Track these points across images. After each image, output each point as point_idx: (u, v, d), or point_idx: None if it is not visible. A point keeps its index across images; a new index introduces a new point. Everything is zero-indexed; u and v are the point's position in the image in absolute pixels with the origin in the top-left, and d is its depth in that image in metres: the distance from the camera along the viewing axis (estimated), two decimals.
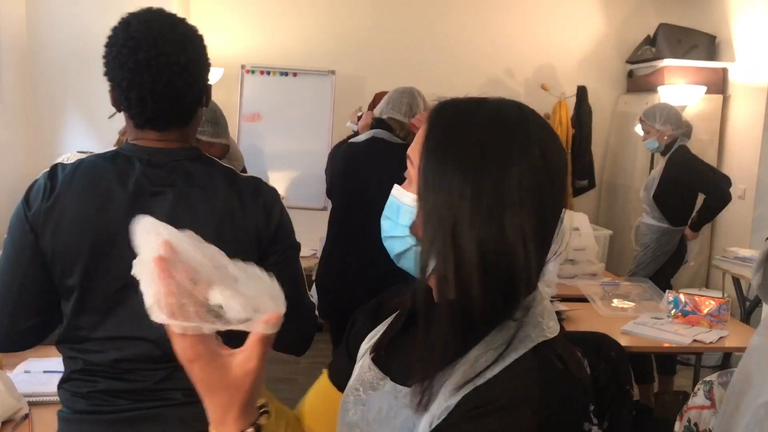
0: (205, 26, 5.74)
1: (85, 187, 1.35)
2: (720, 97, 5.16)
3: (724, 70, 5.22)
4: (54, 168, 1.38)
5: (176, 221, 0.75)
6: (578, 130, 5.52)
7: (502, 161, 0.83)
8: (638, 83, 5.64)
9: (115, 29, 1.36)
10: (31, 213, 1.34)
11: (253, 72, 5.01)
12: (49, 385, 1.68)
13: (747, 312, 4.17)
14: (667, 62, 5.15)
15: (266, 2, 5.37)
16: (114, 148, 1.46)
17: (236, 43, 5.27)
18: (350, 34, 5.41)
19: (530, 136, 0.85)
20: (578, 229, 3.69)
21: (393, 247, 0.92)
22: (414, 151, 0.89)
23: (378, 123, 2.91)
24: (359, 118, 3.32)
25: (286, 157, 4.96)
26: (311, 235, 5.47)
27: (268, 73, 5.03)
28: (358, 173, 2.85)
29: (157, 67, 1.31)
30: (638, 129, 5.01)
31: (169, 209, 1.35)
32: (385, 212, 0.94)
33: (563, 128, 5.45)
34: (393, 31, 5.44)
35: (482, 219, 0.81)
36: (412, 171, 0.89)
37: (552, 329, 0.86)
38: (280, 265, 1.43)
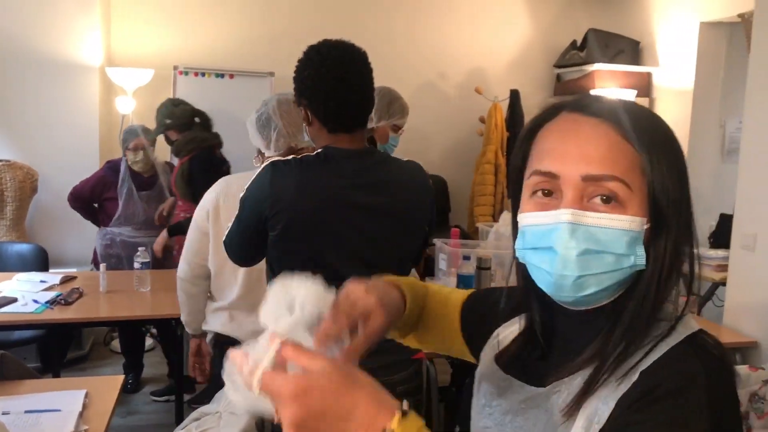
0: (131, 25, 5.46)
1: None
2: (646, 99, 5.37)
3: (649, 74, 5.43)
4: None
5: None
6: (512, 133, 5.60)
7: (683, 161, 0.86)
8: (567, 87, 5.79)
9: (307, 54, 1.79)
10: None
11: (186, 73, 4.78)
12: (36, 428, 1.50)
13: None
14: (597, 66, 5.31)
15: (198, 1, 5.15)
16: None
17: (168, 43, 5.03)
18: (289, 35, 5.26)
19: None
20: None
21: (602, 282, 0.82)
22: (621, 167, 0.80)
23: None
24: None
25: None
26: None
27: (203, 74, 4.82)
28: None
29: (351, 80, 1.75)
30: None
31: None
32: (587, 246, 0.81)
33: (498, 131, 5.51)
34: (330, 33, 5.33)
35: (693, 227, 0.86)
36: (625, 192, 0.81)
37: (692, 324, 0.84)
38: None
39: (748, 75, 3.07)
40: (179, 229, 3.74)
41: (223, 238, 1.89)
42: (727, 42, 4.94)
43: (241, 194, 1.80)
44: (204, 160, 3.80)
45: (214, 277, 2.43)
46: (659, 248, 0.82)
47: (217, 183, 2.44)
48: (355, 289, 0.97)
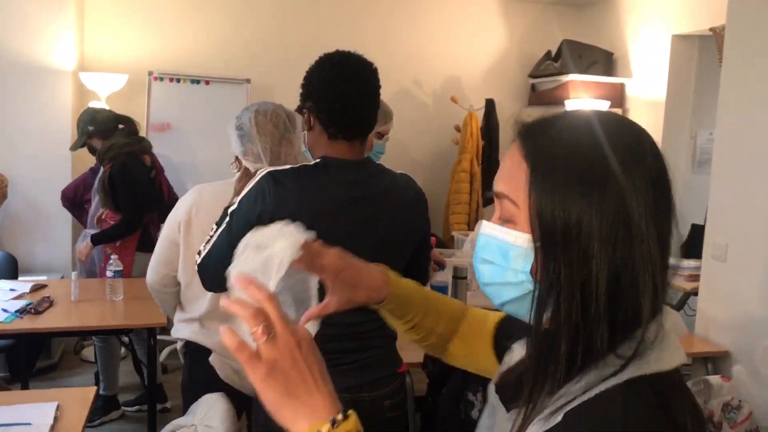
0: (105, 29, 5.39)
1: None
2: (620, 110, 5.43)
3: (622, 85, 5.50)
4: None
5: None
6: (487, 142, 5.64)
7: (623, 185, 0.77)
8: (541, 97, 5.84)
9: (318, 61, 1.78)
10: None
11: (161, 79, 4.73)
12: None
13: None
14: (572, 77, 5.37)
15: (174, 6, 5.11)
16: None
17: (143, 48, 4.97)
18: (266, 42, 5.25)
19: (643, 150, 0.80)
20: None
21: (501, 294, 0.85)
22: (512, 186, 0.82)
23: None
24: None
25: (198, 169, 4.72)
26: None
27: (178, 80, 4.77)
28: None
29: (358, 86, 1.76)
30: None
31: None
32: (483, 255, 0.86)
33: (474, 140, 5.54)
34: (308, 40, 5.32)
35: (611, 252, 0.76)
36: (514, 209, 0.83)
37: (664, 362, 0.78)
38: None
39: (720, 87, 3.12)
40: (102, 239, 3.71)
41: (196, 259, 1.76)
42: (698, 54, 5.02)
43: (231, 207, 1.71)
44: (123, 167, 3.68)
45: (184, 289, 2.39)
46: (544, 270, 0.79)
47: (189, 193, 2.40)
48: (331, 250, 1.06)
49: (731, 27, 3.05)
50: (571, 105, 5.24)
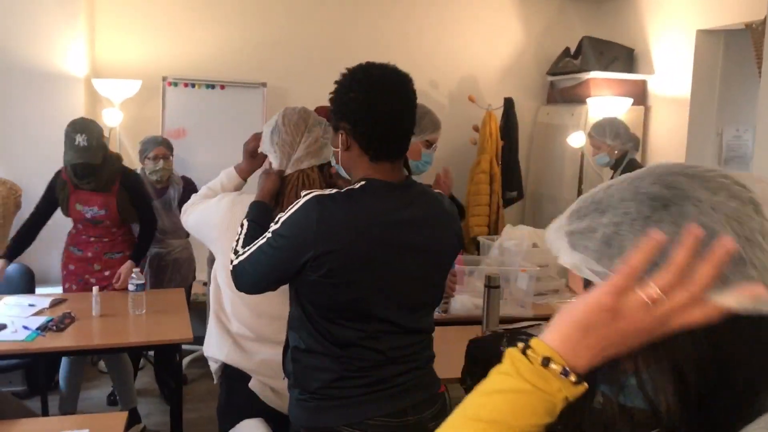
0: (117, 35, 5.25)
1: None
2: (641, 108, 5.32)
3: (644, 82, 5.38)
4: None
5: None
6: (507, 142, 5.53)
7: None
8: (560, 95, 5.73)
9: (352, 75, 1.68)
10: None
11: (176, 84, 4.64)
12: None
13: None
14: (593, 74, 5.25)
15: (187, 11, 5.00)
16: None
17: (156, 53, 4.87)
18: (281, 45, 5.15)
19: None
20: (537, 245, 3.64)
21: None
22: None
23: None
24: None
25: (215, 175, 4.61)
26: None
27: (193, 85, 4.68)
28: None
29: (400, 105, 1.68)
30: (571, 140, 5.11)
31: None
32: None
33: (493, 140, 5.43)
34: (323, 41, 5.23)
35: None
36: None
37: None
38: None
39: (762, 82, 3.01)
40: (140, 254, 3.65)
41: (231, 258, 1.75)
42: (723, 50, 4.90)
43: (274, 226, 1.67)
44: (135, 175, 3.80)
45: (228, 292, 2.22)
46: None
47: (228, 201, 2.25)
48: None
49: None
50: (592, 103, 5.13)
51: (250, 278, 1.73)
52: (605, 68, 5.34)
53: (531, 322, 2.95)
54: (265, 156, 2.23)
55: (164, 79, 4.64)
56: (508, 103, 5.56)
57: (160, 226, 3.95)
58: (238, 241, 1.80)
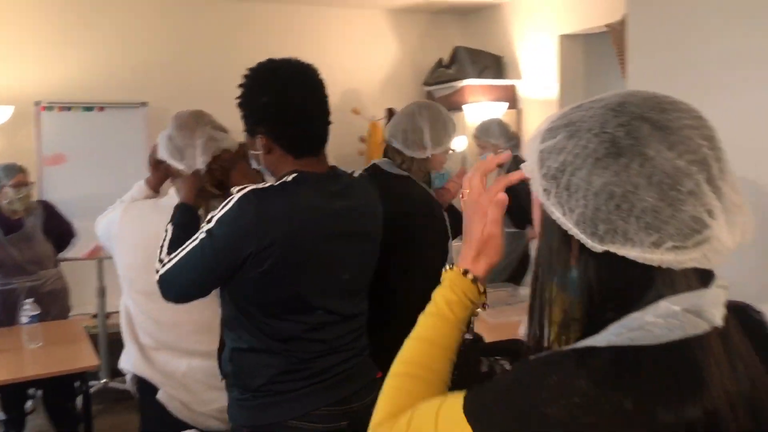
0: None
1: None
2: (514, 111, 5.62)
3: (514, 87, 5.71)
4: None
5: None
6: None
7: None
8: (440, 103, 5.93)
9: (259, 77, 1.67)
10: None
11: (50, 108, 4.41)
12: None
13: None
14: (467, 82, 5.50)
15: (59, 32, 4.78)
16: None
17: (28, 77, 4.62)
18: (161, 63, 5.03)
19: None
20: None
21: None
22: None
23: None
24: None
25: (99, 201, 4.41)
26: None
27: (69, 108, 4.46)
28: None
29: (314, 98, 1.70)
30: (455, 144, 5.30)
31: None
32: None
33: (380, 149, 5.53)
34: (203, 58, 5.16)
35: None
36: None
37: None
38: None
39: (628, 78, 3.28)
40: None
41: (157, 267, 1.67)
42: (584, 53, 5.29)
43: (207, 226, 1.60)
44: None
45: (145, 303, 2.12)
46: None
47: (120, 211, 2.15)
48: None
49: (634, 20, 3.22)
50: (469, 109, 5.37)
51: (179, 286, 1.65)
52: (478, 76, 5.61)
53: None
54: (168, 165, 2.18)
55: (37, 103, 4.40)
56: (390, 114, 5.71)
57: (30, 257, 3.74)
58: (162, 248, 1.72)
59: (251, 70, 1.70)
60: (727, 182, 0.76)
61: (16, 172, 3.73)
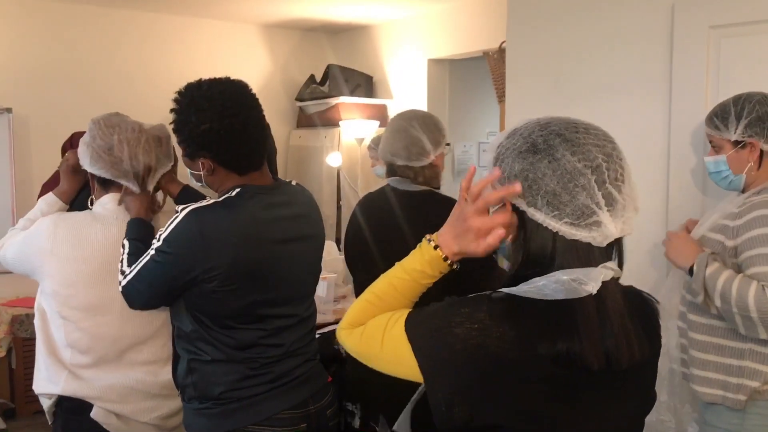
0: None
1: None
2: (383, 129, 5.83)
3: (385, 106, 5.93)
4: None
5: None
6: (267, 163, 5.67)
7: None
8: (311, 119, 6.04)
9: (194, 103, 1.68)
10: None
11: None
12: None
13: None
14: (341, 99, 5.64)
15: None
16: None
17: None
18: (27, 68, 4.71)
19: None
20: None
21: None
22: None
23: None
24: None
25: None
26: None
27: None
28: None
29: (252, 120, 1.74)
30: (329, 160, 5.42)
31: None
32: None
33: None
34: (72, 65, 4.91)
35: None
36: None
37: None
38: None
39: (507, 100, 3.56)
40: None
41: (120, 279, 1.73)
42: (449, 76, 5.62)
43: (157, 243, 1.65)
44: None
45: (63, 326, 1.99)
46: None
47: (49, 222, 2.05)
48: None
49: (512, 48, 3.51)
50: (345, 126, 5.51)
51: (141, 297, 1.73)
52: (351, 93, 5.77)
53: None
54: (88, 174, 2.11)
55: None
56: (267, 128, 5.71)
57: None
58: (122, 261, 1.77)
59: (181, 94, 1.72)
60: (617, 186, 1.06)
61: None
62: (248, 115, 1.73)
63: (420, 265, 1.14)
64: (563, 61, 3.19)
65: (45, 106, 4.76)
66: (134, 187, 1.97)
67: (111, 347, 2.00)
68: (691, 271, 2.00)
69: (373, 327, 1.15)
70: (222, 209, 1.66)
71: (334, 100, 5.71)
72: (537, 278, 1.04)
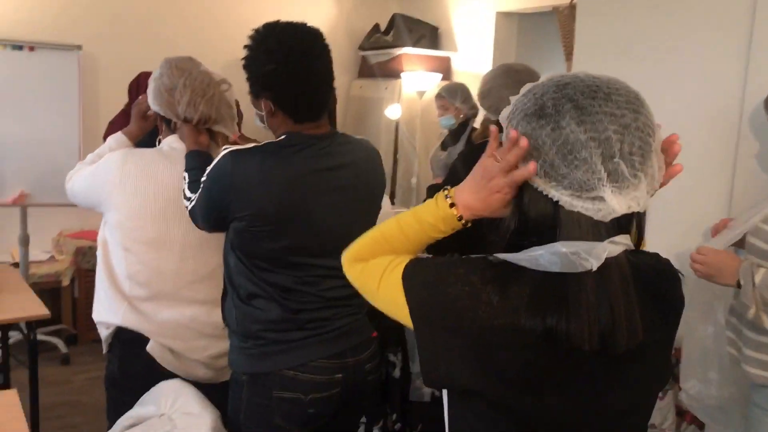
0: None
1: None
2: (447, 83, 5.74)
3: (449, 59, 5.82)
4: None
5: None
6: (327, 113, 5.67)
7: None
8: (373, 69, 5.99)
9: (263, 44, 1.73)
10: None
11: None
12: None
13: None
14: (404, 50, 5.56)
15: None
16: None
17: None
18: (97, 5, 4.79)
19: None
20: None
21: None
22: None
23: None
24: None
25: (25, 146, 4.21)
26: (49, 235, 4.81)
27: None
28: None
29: (318, 67, 1.77)
30: (388, 112, 5.38)
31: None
32: None
33: None
34: (141, 5, 4.97)
35: None
36: None
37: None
38: None
39: (574, 60, 3.45)
40: None
41: (185, 203, 1.85)
42: (517, 31, 5.47)
43: (204, 177, 1.76)
44: None
45: (125, 257, 2.07)
46: None
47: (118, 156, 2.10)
48: None
49: (583, 3, 3.38)
50: (405, 77, 5.45)
51: (203, 220, 1.82)
52: (414, 45, 5.68)
53: None
54: (157, 117, 2.17)
55: None
56: None
57: None
58: (185, 189, 1.87)
59: (256, 32, 1.76)
60: (631, 161, 0.98)
61: None
62: (313, 63, 1.76)
63: (433, 218, 1.12)
64: (635, 20, 3.06)
65: (114, 45, 4.84)
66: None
67: (169, 282, 2.07)
68: (738, 285, 1.92)
69: (374, 266, 1.16)
70: (258, 153, 1.72)
71: (396, 51, 5.63)
72: (536, 247, 0.99)
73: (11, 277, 3.18)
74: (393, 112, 5.40)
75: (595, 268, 0.96)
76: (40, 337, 4.23)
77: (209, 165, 1.78)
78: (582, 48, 3.42)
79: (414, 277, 1.09)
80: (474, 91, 4.31)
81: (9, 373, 3.07)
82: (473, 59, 5.62)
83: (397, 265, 1.11)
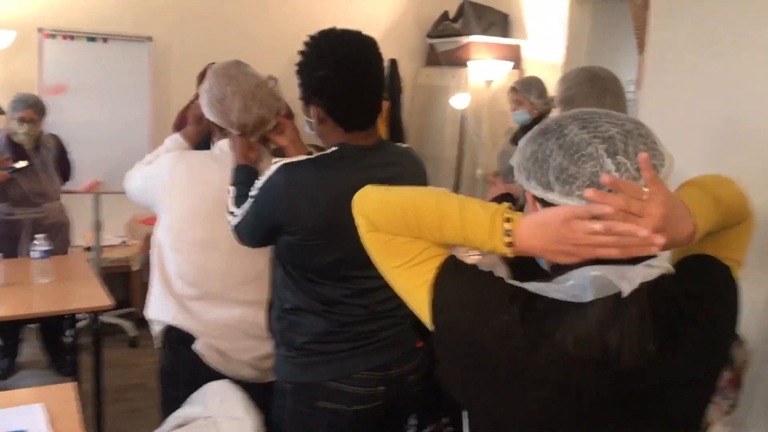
0: None
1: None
2: (517, 71, 5.61)
3: (519, 47, 5.68)
4: None
5: None
6: (393, 102, 5.65)
7: None
8: (440, 57, 5.90)
9: (317, 50, 1.69)
10: None
11: (54, 36, 4.28)
12: None
13: None
14: (473, 38, 5.46)
15: None
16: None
17: (30, 2, 4.46)
18: None
19: None
20: None
21: None
22: None
23: None
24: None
25: (100, 135, 4.36)
26: (121, 221, 4.96)
27: (73, 37, 4.34)
28: None
29: (370, 76, 1.72)
30: (453, 102, 5.30)
31: None
32: None
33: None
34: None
35: None
36: None
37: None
38: None
39: (647, 52, 3.29)
40: None
41: (229, 219, 1.83)
42: (593, 19, 5.27)
43: (253, 191, 1.74)
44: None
45: (175, 256, 2.12)
46: None
47: (170, 158, 2.14)
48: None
49: None
50: (473, 66, 5.35)
51: (248, 236, 1.80)
52: (483, 32, 5.56)
53: None
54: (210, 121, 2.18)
55: (40, 30, 4.26)
56: (393, 65, 5.66)
57: (38, 189, 3.75)
58: (228, 203, 1.86)
59: (312, 38, 1.74)
60: (633, 163, 0.96)
61: (24, 106, 3.70)
62: (365, 70, 1.72)
63: (480, 235, 1.02)
64: (712, 14, 2.89)
65: (184, 36, 4.92)
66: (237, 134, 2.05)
67: (217, 282, 2.10)
68: None
69: (402, 247, 1.10)
70: (311, 166, 1.70)
71: (464, 39, 5.53)
72: (566, 275, 0.98)
73: (81, 265, 3.30)
74: (459, 101, 5.31)
75: (626, 293, 0.93)
76: (109, 320, 4.41)
77: (254, 179, 1.78)
78: (655, 42, 3.26)
79: (447, 285, 1.05)
80: (548, 82, 4.21)
81: (78, 357, 3.19)
82: (544, 47, 5.46)
83: (431, 259, 1.07)
